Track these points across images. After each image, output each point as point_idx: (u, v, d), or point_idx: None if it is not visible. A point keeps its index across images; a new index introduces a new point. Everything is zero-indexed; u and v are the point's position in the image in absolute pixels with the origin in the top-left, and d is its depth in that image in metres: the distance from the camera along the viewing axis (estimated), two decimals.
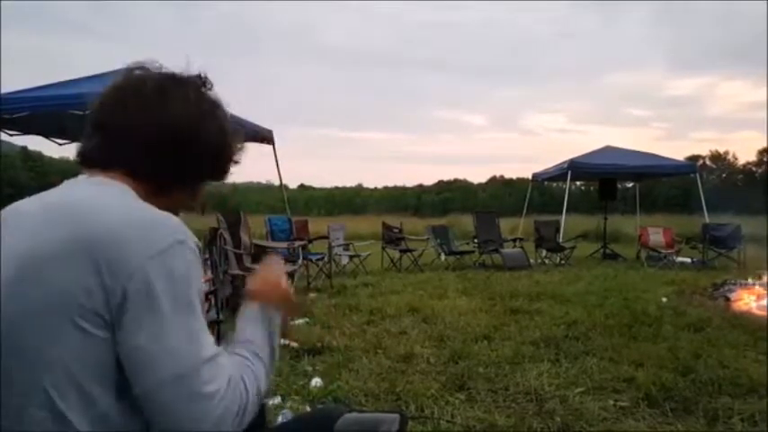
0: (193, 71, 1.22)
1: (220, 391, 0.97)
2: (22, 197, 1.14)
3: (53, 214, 1.04)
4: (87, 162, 1.15)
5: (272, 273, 1.32)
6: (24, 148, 46.39)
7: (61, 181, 1.16)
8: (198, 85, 1.20)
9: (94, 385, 0.96)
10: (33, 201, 1.12)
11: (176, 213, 1.27)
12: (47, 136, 8.97)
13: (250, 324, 1.19)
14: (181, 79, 1.19)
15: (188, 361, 0.95)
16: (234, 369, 1.03)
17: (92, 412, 0.96)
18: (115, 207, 1.03)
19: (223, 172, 1.27)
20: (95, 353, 0.96)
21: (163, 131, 1.13)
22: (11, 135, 8.80)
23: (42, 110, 7.03)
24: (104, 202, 1.05)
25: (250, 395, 1.02)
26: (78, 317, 0.95)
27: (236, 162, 1.28)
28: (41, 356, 0.97)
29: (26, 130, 8.78)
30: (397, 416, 1.45)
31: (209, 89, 1.22)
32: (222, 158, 1.24)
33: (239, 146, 1.28)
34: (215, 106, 1.21)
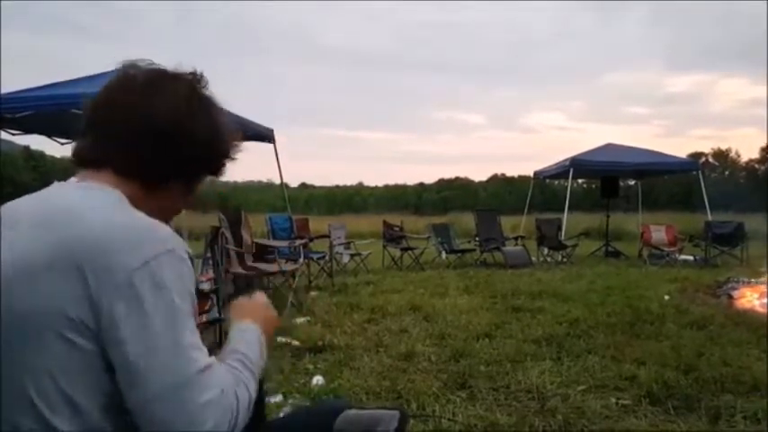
0: (187, 69, 1.21)
1: (213, 401, 0.95)
2: (22, 196, 1.14)
3: (43, 222, 1.02)
4: (80, 162, 1.14)
5: (266, 304, 1.34)
6: (27, 148, 46.47)
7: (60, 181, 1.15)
8: (189, 80, 1.19)
9: (82, 397, 0.95)
10: (27, 202, 1.10)
11: (173, 211, 1.27)
12: (49, 135, 8.98)
13: (243, 337, 1.18)
14: (171, 75, 1.17)
15: (178, 374, 0.93)
16: (226, 379, 1.02)
17: (81, 423, 0.95)
18: (103, 216, 1.02)
19: (217, 168, 1.25)
20: (83, 364, 0.95)
21: (149, 127, 1.11)
22: (13, 135, 8.81)
23: (44, 109, 7.03)
24: (93, 210, 1.03)
25: (241, 405, 1.01)
26: (64, 328, 0.94)
27: (232, 159, 1.26)
28: (27, 366, 0.96)
29: (28, 129, 8.79)
30: (396, 412, 1.44)
31: (203, 86, 1.20)
32: (215, 154, 1.22)
33: (235, 142, 1.25)
34: (207, 102, 1.19)
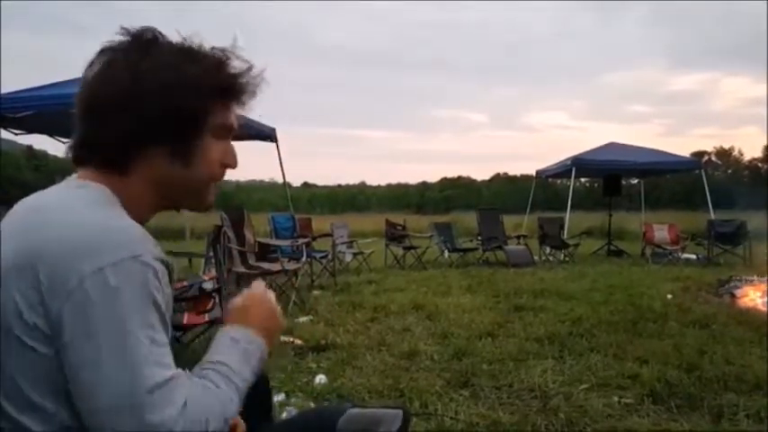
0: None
1: (169, 419, 0.89)
2: (25, 196, 1.13)
3: (21, 224, 1.00)
4: (72, 159, 1.11)
5: (262, 296, 1.22)
6: (30, 148, 46.52)
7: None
8: (138, 43, 1.07)
9: (46, 400, 0.93)
10: (20, 205, 1.08)
11: (183, 191, 1.14)
12: (51, 135, 9.00)
13: (227, 345, 1.09)
14: (109, 45, 1.08)
15: (124, 391, 0.87)
16: (193, 394, 0.95)
17: (50, 423, 0.93)
18: (69, 217, 0.97)
19: (200, 117, 1.08)
20: (42, 368, 0.92)
21: (90, 104, 1.05)
22: (16, 134, 8.84)
23: (46, 109, 7.05)
24: (61, 211, 0.99)
25: (212, 421, 0.95)
26: (22, 332, 0.91)
27: (227, 90, 1.11)
28: None
29: (31, 129, 8.81)
30: (399, 411, 1.45)
31: (143, 39, 1.07)
32: (169, 106, 1.04)
33: (216, 75, 1.09)
34: (141, 53, 1.05)
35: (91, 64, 1.07)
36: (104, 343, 0.88)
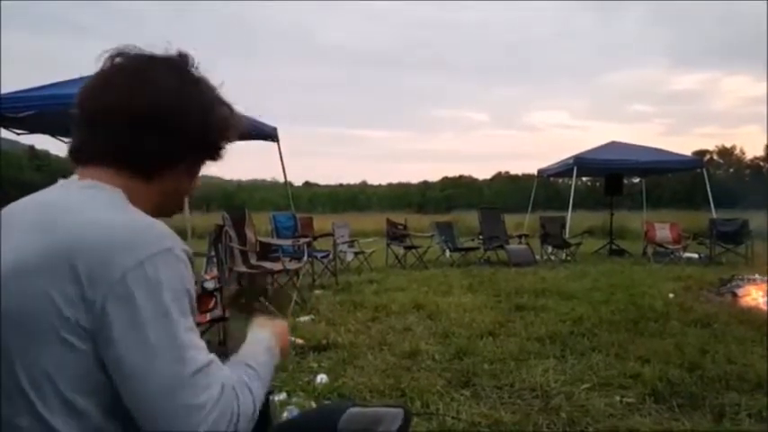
0: (174, 52, 1.18)
1: (210, 401, 0.94)
2: (26, 195, 1.13)
3: (40, 221, 1.02)
4: (76, 159, 1.13)
5: (284, 327, 1.36)
6: (32, 148, 46.62)
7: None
8: (177, 63, 1.16)
9: (81, 397, 0.95)
10: (26, 203, 1.10)
11: (176, 203, 1.26)
12: (53, 135, 9.01)
13: (257, 347, 1.20)
14: (158, 60, 1.15)
15: (172, 375, 0.92)
16: (228, 377, 1.01)
17: (82, 425, 0.95)
18: (99, 216, 1.01)
19: (212, 150, 1.22)
20: (80, 365, 0.94)
21: (138, 116, 1.09)
22: (18, 134, 8.84)
23: (48, 109, 7.05)
24: (89, 210, 1.02)
25: (243, 406, 0.99)
26: (61, 329, 0.93)
27: (228, 139, 1.23)
28: (26, 369, 0.96)
29: (32, 128, 8.82)
30: (400, 410, 1.45)
31: (191, 66, 1.17)
32: (210, 137, 1.18)
33: (232, 122, 1.22)
34: (196, 83, 1.16)
35: (137, 72, 1.12)
36: (152, 332, 0.92)
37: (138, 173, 1.12)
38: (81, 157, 1.12)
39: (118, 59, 1.13)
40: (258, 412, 1.05)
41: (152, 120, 1.09)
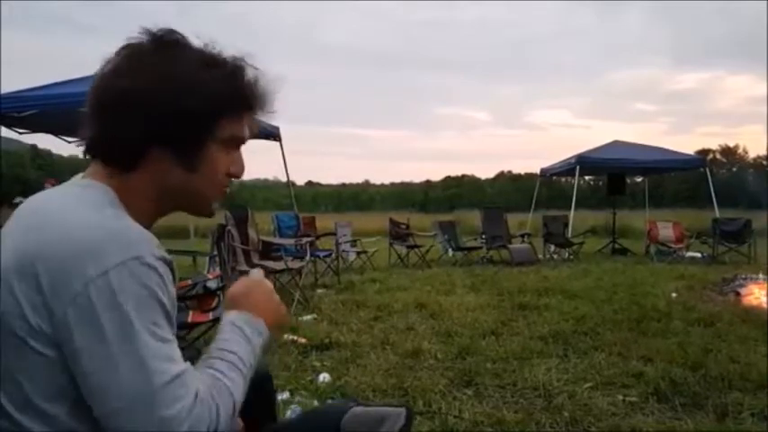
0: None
1: (182, 412, 0.90)
2: (29, 194, 1.13)
3: (24, 224, 1.00)
4: (88, 154, 1.10)
5: (260, 281, 1.25)
6: (34, 147, 46.71)
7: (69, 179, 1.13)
8: (139, 40, 1.07)
9: (49, 403, 0.94)
10: (32, 201, 1.07)
11: (189, 197, 1.14)
12: (56, 134, 9.02)
13: (230, 331, 1.10)
14: (126, 43, 1.08)
15: (138, 388, 0.89)
16: (203, 385, 0.97)
17: (50, 425, 0.94)
18: (70, 218, 0.97)
19: (204, 128, 1.08)
20: (47, 372, 0.93)
21: (99, 101, 1.05)
22: (20, 133, 8.86)
23: (50, 108, 7.06)
24: (63, 212, 0.99)
25: (222, 412, 0.96)
26: (26, 334, 0.92)
27: (230, 109, 1.10)
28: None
29: (34, 128, 8.83)
30: (403, 409, 1.45)
31: (159, 38, 1.07)
32: (178, 113, 1.04)
33: (226, 90, 1.07)
34: (161, 54, 1.06)
35: (108, 61, 1.07)
36: (114, 346, 0.89)
37: (116, 164, 1.06)
38: (87, 152, 1.10)
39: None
40: (237, 409, 1.02)
41: (105, 103, 1.05)
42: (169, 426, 0.89)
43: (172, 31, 1.09)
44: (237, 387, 1.03)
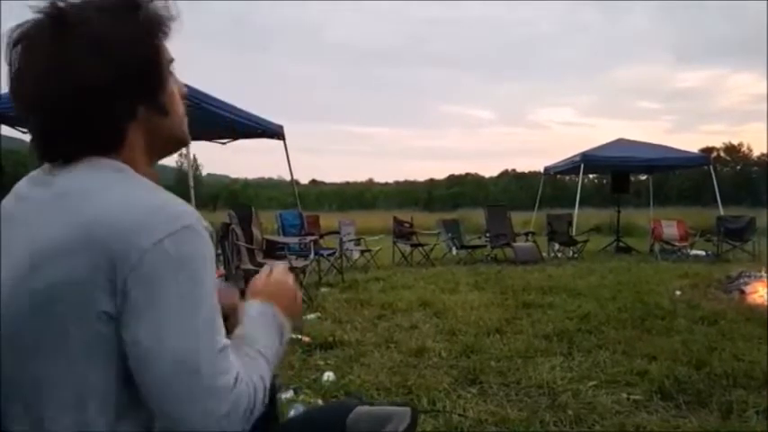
0: None
1: (229, 385, 0.91)
2: None
3: (58, 205, 0.97)
4: (59, 156, 1.05)
5: (285, 277, 1.26)
6: None
7: None
8: (55, 24, 1.00)
9: (98, 380, 0.93)
10: (34, 187, 1.05)
11: (159, 150, 1.14)
12: None
13: (255, 322, 1.12)
14: (33, 30, 1.02)
15: (192, 355, 0.89)
16: (240, 365, 0.97)
17: (100, 422, 0.93)
18: (115, 195, 0.96)
19: (155, 82, 1.05)
20: (102, 351, 0.92)
21: (65, 85, 0.99)
22: (24, 132, 8.87)
23: None
24: (105, 189, 0.97)
25: (257, 396, 0.97)
26: (85, 314, 0.91)
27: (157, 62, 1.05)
28: (44, 355, 0.93)
29: None
30: (408, 409, 1.45)
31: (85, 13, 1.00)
32: (143, 72, 1.02)
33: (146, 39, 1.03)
34: (99, 27, 0.99)
35: (21, 49, 1.01)
36: (172, 313, 0.90)
37: (104, 148, 1.03)
38: (58, 154, 1.06)
39: None
40: (267, 385, 1.02)
41: (67, 94, 1.00)
42: (217, 397, 0.90)
43: (59, 7, 1.01)
44: (266, 373, 1.03)
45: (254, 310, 1.15)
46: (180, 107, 1.14)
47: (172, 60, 1.11)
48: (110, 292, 0.90)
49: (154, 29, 1.04)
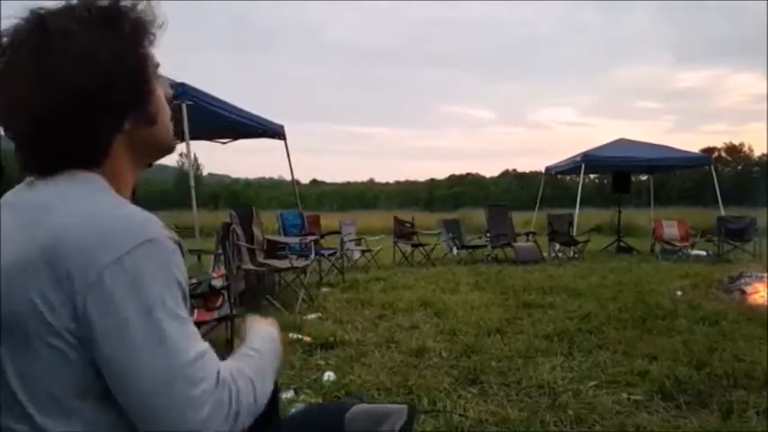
0: None
1: (206, 393, 0.90)
2: None
3: (20, 220, 0.96)
4: (45, 169, 1.02)
5: (275, 328, 1.29)
6: None
7: None
8: (40, 31, 0.97)
9: (75, 400, 0.92)
10: (11, 199, 1.03)
11: (146, 158, 1.14)
12: None
13: (260, 337, 1.17)
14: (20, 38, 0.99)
15: (164, 369, 0.88)
16: (225, 369, 0.96)
17: (75, 423, 0.93)
18: (75, 209, 0.95)
19: (141, 92, 1.04)
20: (70, 368, 0.91)
21: (53, 95, 0.96)
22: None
23: None
24: (66, 203, 0.96)
25: (243, 396, 0.96)
26: (46, 331, 0.90)
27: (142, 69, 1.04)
28: (16, 373, 0.93)
29: None
30: (405, 407, 1.45)
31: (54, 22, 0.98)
32: (131, 84, 1.01)
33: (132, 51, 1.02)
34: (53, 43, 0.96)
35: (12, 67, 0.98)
36: (136, 330, 0.88)
37: (90, 161, 1.02)
38: (45, 167, 1.04)
39: None
40: (261, 402, 1.02)
41: (56, 104, 0.98)
42: (193, 406, 0.89)
43: (36, 13, 0.99)
44: (259, 383, 1.03)
45: (260, 331, 1.20)
46: (166, 114, 1.12)
47: (158, 65, 1.09)
48: (69, 313, 0.89)
49: (139, 38, 1.03)
